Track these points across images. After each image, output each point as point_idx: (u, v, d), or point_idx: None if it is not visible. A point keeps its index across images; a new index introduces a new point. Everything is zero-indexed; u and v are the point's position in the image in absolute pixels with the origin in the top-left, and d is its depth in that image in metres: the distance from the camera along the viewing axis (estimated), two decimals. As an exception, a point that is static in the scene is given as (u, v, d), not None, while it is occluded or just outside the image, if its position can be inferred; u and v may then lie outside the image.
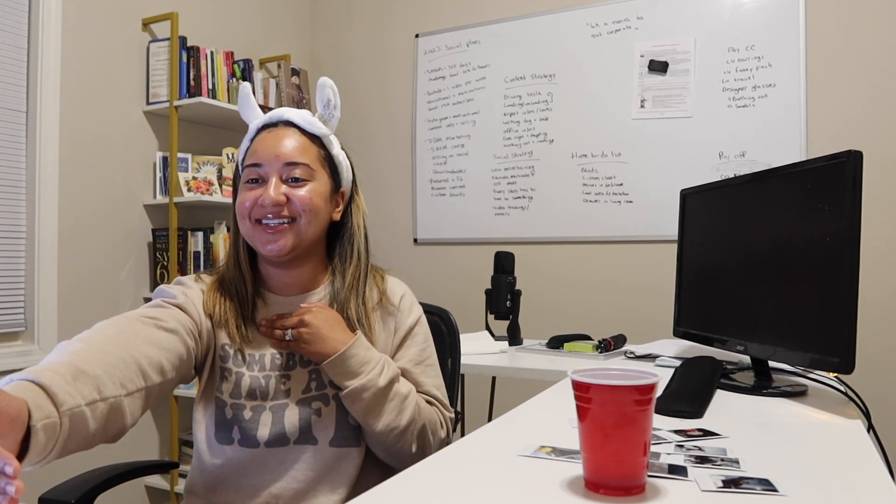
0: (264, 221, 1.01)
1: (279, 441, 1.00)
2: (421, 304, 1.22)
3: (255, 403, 1.02)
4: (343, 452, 1.02)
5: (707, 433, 0.92)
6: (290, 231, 1.02)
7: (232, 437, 1.01)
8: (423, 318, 1.16)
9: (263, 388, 1.02)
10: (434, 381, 1.12)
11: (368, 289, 1.10)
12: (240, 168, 1.09)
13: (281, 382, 1.03)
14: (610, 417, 0.65)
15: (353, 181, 1.14)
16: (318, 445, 1.01)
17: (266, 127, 1.08)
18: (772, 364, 1.32)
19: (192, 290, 1.06)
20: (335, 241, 1.12)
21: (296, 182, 1.03)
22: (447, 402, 1.15)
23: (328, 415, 1.02)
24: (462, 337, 1.76)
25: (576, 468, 0.75)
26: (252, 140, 1.08)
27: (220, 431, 1.02)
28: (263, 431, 1.00)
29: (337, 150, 1.11)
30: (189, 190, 2.70)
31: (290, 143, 1.04)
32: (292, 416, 1.01)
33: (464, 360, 1.76)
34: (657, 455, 0.81)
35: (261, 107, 1.12)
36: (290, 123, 1.07)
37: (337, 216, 1.10)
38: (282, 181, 1.02)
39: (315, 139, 1.07)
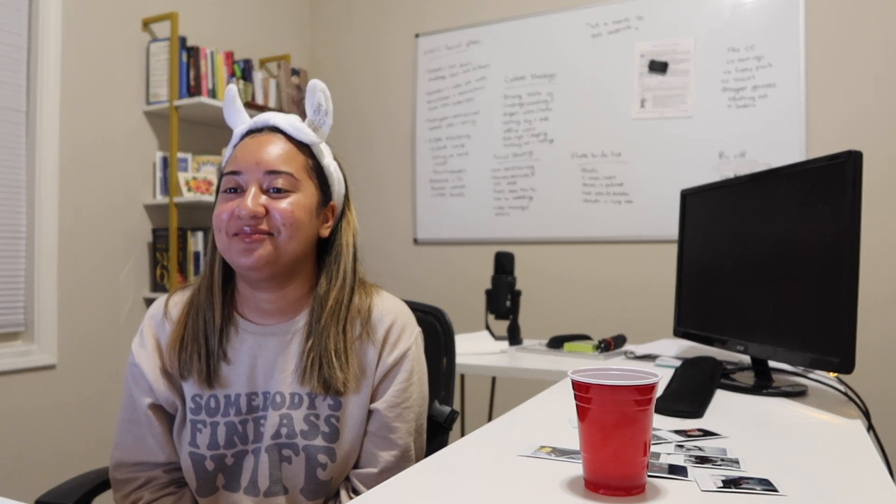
0: (240, 234, 0.93)
1: (257, 491, 0.98)
2: (416, 303, 1.19)
3: (236, 450, 0.98)
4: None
5: (707, 433, 0.92)
6: (268, 243, 0.93)
7: (216, 486, 0.98)
8: (412, 349, 1.03)
9: (241, 432, 0.98)
10: (409, 427, 1.01)
11: (351, 318, 1.00)
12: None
13: (259, 424, 0.99)
14: (610, 417, 0.65)
15: (346, 195, 1.07)
16: (289, 495, 0.98)
17: (251, 133, 1.00)
18: (772, 364, 1.32)
19: (148, 355, 1.01)
20: (322, 257, 1.03)
21: (277, 193, 0.94)
22: (421, 442, 1.05)
23: (298, 464, 0.97)
24: (462, 337, 1.77)
25: (576, 468, 0.75)
26: (235, 147, 1.01)
27: (203, 486, 0.98)
28: (245, 477, 0.98)
29: (328, 161, 1.03)
30: (189, 190, 2.70)
31: (274, 150, 0.96)
32: (264, 463, 0.97)
33: (464, 360, 1.76)
34: (657, 455, 0.81)
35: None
36: (276, 129, 0.99)
37: (325, 232, 1.02)
38: (262, 191, 0.94)
39: (303, 147, 0.99)
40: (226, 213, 0.94)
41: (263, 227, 0.93)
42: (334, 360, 0.96)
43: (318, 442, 0.97)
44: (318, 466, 0.97)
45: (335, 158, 1.06)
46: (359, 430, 1.00)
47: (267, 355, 1.00)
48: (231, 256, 0.95)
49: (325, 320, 0.98)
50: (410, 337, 1.04)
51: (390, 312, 1.04)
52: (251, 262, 0.93)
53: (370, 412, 1.01)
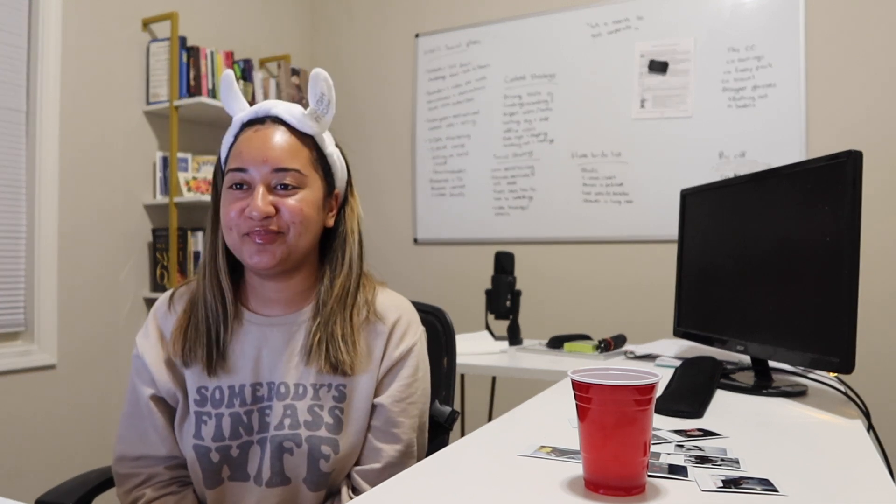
0: (251, 234, 0.94)
1: (262, 481, 0.97)
2: (417, 303, 1.19)
3: (241, 441, 0.97)
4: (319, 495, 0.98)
5: (707, 433, 0.92)
6: (279, 243, 0.94)
7: (222, 477, 0.97)
8: (418, 346, 1.04)
9: (246, 423, 0.97)
10: (413, 423, 1.01)
11: (357, 306, 1.01)
12: (222, 166, 1.01)
13: (264, 415, 0.99)
14: (610, 417, 0.65)
15: (349, 181, 1.06)
16: (292, 485, 0.96)
17: (252, 123, 0.98)
18: (772, 364, 1.32)
19: (151, 346, 1.02)
20: (327, 247, 1.03)
21: (284, 189, 0.94)
22: (423, 440, 1.05)
23: (300, 455, 0.96)
24: (462, 337, 1.77)
25: (576, 468, 0.75)
26: (236, 136, 0.99)
27: (208, 478, 0.97)
28: (253, 467, 0.97)
29: (331, 150, 1.02)
30: (189, 190, 2.70)
31: (280, 146, 0.95)
32: (269, 453, 0.96)
33: (464, 360, 1.76)
34: (657, 455, 0.81)
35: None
36: (278, 120, 0.97)
37: (330, 222, 1.02)
38: (269, 189, 0.94)
39: (307, 138, 0.98)
40: (234, 211, 0.94)
41: (274, 227, 0.94)
42: (341, 343, 0.97)
43: (322, 433, 0.96)
44: (321, 458, 0.96)
45: (337, 145, 1.05)
46: (363, 422, 0.99)
47: (272, 346, 1.00)
48: (243, 256, 0.96)
49: (332, 307, 0.98)
50: (416, 334, 1.05)
51: (397, 308, 1.05)
52: (264, 262, 0.94)
53: (374, 406, 1.00)
